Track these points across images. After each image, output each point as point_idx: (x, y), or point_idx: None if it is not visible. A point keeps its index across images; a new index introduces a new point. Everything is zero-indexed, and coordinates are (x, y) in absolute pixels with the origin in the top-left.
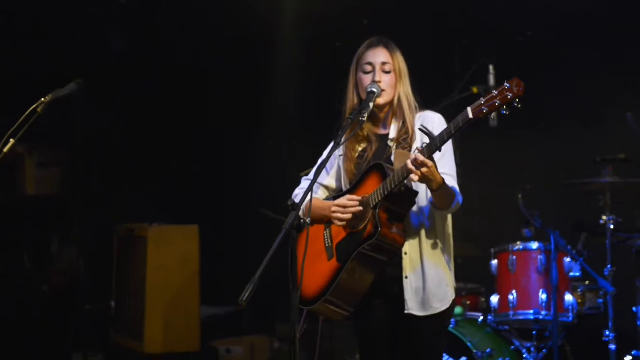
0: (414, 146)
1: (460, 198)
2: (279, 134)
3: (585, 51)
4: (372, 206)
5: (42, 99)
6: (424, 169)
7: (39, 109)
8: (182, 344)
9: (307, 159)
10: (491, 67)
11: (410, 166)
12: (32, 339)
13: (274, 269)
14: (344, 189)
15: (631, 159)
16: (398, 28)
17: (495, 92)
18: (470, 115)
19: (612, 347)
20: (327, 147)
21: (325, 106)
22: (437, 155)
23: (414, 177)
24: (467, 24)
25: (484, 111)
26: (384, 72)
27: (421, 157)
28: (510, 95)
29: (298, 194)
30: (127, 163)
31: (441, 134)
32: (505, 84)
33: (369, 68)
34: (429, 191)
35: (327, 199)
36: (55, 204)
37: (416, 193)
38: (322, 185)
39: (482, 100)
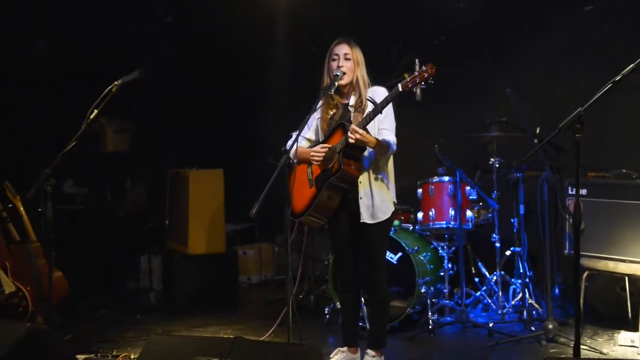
0: (366, 111)
1: (394, 147)
2: (279, 103)
3: (481, 49)
4: (337, 151)
5: (115, 82)
6: (357, 136)
7: (113, 89)
8: (213, 247)
9: (297, 122)
10: (417, 61)
11: (349, 134)
12: (114, 248)
13: (274, 199)
14: (320, 140)
15: (509, 120)
16: (357, 35)
17: (416, 73)
18: (400, 89)
19: (498, 245)
20: (307, 113)
21: (308, 85)
22: (381, 116)
23: (351, 140)
24: (401, 31)
25: (409, 85)
26: (346, 60)
27: (355, 128)
28: (426, 75)
29: (289, 143)
30: (173, 128)
31: (381, 102)
32: (423, 67)
33: (335, 57)
34: None
35: (309, 147)
36: (127, 157)
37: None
38: (305, 138)
39: (408, 79)
